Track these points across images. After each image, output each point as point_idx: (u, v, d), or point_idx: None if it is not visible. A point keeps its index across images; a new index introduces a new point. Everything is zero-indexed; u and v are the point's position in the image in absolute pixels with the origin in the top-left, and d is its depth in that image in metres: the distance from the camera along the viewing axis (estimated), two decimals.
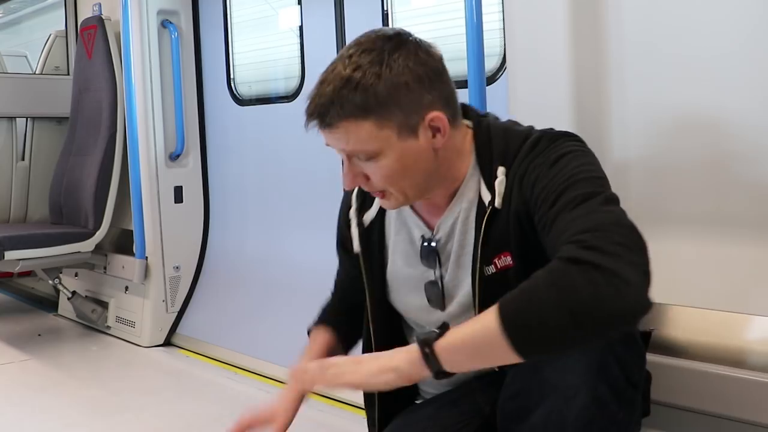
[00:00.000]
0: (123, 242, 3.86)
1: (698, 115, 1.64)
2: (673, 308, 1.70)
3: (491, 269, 1.36)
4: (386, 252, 1.54)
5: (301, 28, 3.25)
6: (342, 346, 1.66)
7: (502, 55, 2.49)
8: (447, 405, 1.53)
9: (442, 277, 1.46)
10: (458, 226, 1.42)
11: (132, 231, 3.62)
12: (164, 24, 3.61)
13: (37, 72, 4.50)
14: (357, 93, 1.27)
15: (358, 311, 1.62)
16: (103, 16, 3.81)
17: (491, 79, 2.46)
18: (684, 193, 1.68)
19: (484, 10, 2.02)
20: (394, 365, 1.20)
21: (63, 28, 4.41)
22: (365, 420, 1.66)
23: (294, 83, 3.30)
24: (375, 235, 1.54)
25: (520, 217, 1.33)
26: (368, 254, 1.55)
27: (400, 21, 2.84)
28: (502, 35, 2.33)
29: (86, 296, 3.91)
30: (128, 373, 3.24)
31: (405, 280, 1.52)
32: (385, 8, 2.85)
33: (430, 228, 1.47)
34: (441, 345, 1.16)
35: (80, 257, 3.68)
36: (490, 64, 2.46)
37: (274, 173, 3.45)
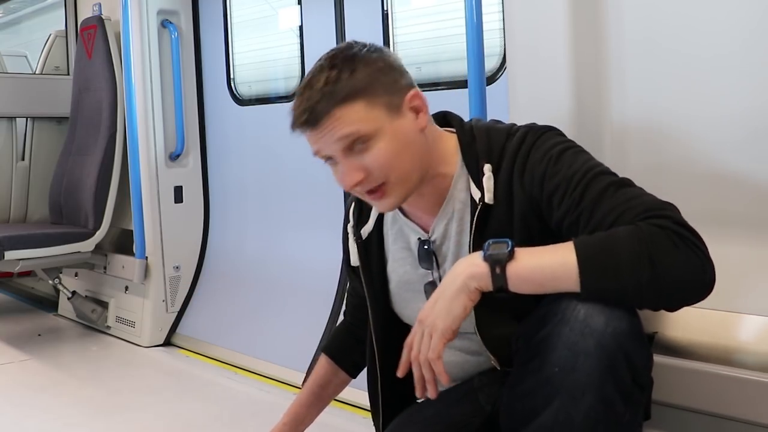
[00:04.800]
0: (123, 242, 3.86)
1: (698, 114, 1.64)
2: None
3: None
4: (386, 263, 1.58)
5: (301, 28, 3.25)
6: (349, 371, 1.76)
7: (502, 55, 2.49)
8: (449, 404, 1.53)
9: (440, 278, 1.47)
10: (453, 225, 1.46)
11: (132, 231, 3.62)
12: (164, 24, 3.61)
13: (37, 72, 4.50)
14: (340, 83, 1.34)
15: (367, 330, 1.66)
16: (103, 16, 3.81)
17: (491, 79, 2.46)
18: (684, 192, 1.68)
19: (484, 10, 2.02)
20: (461, 285, 1.25)
21: (63, 28, 4.41)
22: (366, 420, 1.66)
23: (294, 83, 3.30)
24: (374, 247, 1.58)
25: (525, 215, 1.37)
26: (368, 267, 1.58)
27: (400, 21, 2.84)
28: (502, 35, 2.33)
29: (86, 296, 3.91)
30: (128, 373, 3.24)
31: (407, 286, 1.55)
32: (385, 8, 2.85)
33: (426, 231, 1.50)
34: (513, 268, 1.22)
35: (80, 257, 3.68)
36: (490, 64, 2.47)
37: (274, 173, 3.45)
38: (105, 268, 3.88)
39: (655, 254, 1.16)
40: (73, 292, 3.81)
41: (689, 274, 1.18)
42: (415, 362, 1.31)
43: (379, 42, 2.83)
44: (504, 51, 2.45)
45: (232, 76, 3.62)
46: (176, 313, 3.65)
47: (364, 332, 1.67)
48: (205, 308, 3.62)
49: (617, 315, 1.19)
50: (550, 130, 1.42)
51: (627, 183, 1.30)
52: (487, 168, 1.40)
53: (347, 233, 1.63)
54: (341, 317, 1.85)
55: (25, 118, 4.27)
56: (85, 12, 4.10)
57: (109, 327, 3.79)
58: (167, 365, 3.36)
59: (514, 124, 1.46)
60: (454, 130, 1.48)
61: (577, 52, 1.81)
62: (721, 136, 1.62)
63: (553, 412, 1.20)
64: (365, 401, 1.70)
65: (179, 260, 3.67)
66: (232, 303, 3.52)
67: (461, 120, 1.51)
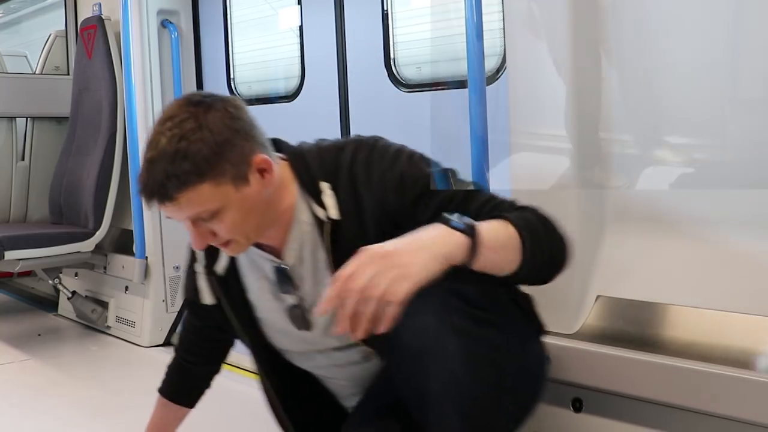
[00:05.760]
0: (123, 242, 3.86)
1: (697, 114, 1.64)
2: (674, 308, 1.70)
3: None
4: (246, 294, 1.62)
5: (301, 28, 3.25)
6: (189, 405, 1.87)
7: (502, 55, 2.49)
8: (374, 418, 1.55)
9: (301, 299, 1.54)
10: (306, 248, 1.50)
11: (132, 231, 3.62)
12: (164, 24, 3.60)
13: (37, 72, 4.49)
14: (188, 162, 1.33)
15: (207, 361, 1.81)
16: (103, 16, 3.81)
17: (491, 79, 2.46)
18: (684, 192, 1.68)
19: (484, 10, 2.02)
20: (444, 252, 1.22)
21: (63, 28, 4.41)
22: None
23: (294, 83, 3.30)
24: (232, 282, 1.61)
25: (380, 222, 1.42)
26: (230, 300, 1.63)
27: (400, 21, 2.84)
28: (502, 35, 2.33)
29: (86, 296, 3.91)
30: (128, 373, 3.24)
31: (273, 316, 1.60)
32: (385, 8, 2.85)
33: (279, 257, 1.54)
34: (481, 240, 1.24)
35: (80, 257, 3.67)
36: (490, 64, 2.46)
37: None
38: (105, 268, 3.88)
39: (555, 230, 1.36)
40: (73, 292, 3.81)
41: (568, 248, 1.38)
42: (356, 294, 1.18)
43: (379, 42, 2.83)
44: (504, 51, 2.45)
45: (232, 76, 3.62)
46: (176, 313, 3.65)
47: (200, 368, 1.80)
48: None
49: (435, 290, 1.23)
50: (380, 139, 1.49)
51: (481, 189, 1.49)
52: (325, 186, 1.46)
53: (194, 272, 1.66)
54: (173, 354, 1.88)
55: (25, 118, 4.26)
56: (85, 12, 4.10)
57: (109, 327, 3.79)
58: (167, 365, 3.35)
59: (340, 139, 1.54)
60: (284, 156, 1.52)
61: (577, 52, 1.81)
62: (722, 136, 1.62)
63: (436, 376, 1.25)
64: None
65: (179, 260, 3.66)
66: None
67: (290, 146, 1.55)
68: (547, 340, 1.81)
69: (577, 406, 1.82)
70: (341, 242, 1.44)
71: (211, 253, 1.60)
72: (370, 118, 2.93)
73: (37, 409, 2.76)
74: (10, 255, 3.42)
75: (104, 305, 3.83)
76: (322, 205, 1.45)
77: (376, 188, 1.42)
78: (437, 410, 1.26)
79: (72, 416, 2.68)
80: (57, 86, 4.26)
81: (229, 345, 1.84)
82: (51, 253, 3.55)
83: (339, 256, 1.37)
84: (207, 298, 1.64)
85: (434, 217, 1.29)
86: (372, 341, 1.44)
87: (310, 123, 3.16)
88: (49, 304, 4.40)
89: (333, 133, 3.03)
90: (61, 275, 3.87)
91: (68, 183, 3.89)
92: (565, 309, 1.86)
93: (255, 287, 1.60)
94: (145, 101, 3.55)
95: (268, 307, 1.59)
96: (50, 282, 3.87)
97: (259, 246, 1.53)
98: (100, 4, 3.94)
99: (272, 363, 1.67)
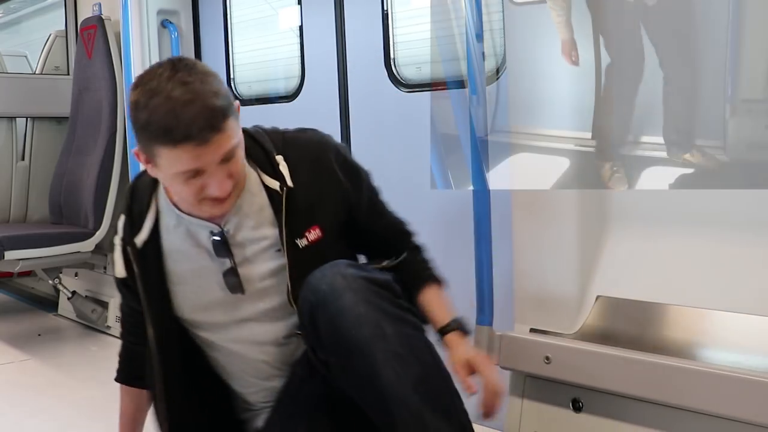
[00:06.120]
0: None
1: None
2: (674, 308, 1.70)
3: (303, 242, 1.59)
4: (166, 270, 1.65)
5: (301, 28, 3.25)
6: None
7: (503, 55, 2.48)
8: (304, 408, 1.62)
9: (237, 264, 1.61)
10: (250, 216, 1.60)
11: None
12: (164, 24, 3.60)
13: (37, 72, 4.49)
14: (220, 98, 1.43)
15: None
16: (103, 16, 3.81)
17: (491, 79, 2.45)
18: (685, 192, 1.68)
19: (484, 10, 2.02)
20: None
21: (63, 28, 4.41)
22: None
23: (294, 83, 3.30)
24: (150, 253, 1.65)
25: (335, 199, 1.62)
26: (144, 273, 1.65)
27: (400, 21, 2.84)
28: (503, 35, 2.32)
29: (86, 296, 3.91)
30: None
31: (203, 279, 1.64)
32: (385, 8, 2.84)
33: (218, 225, 1.60)
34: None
35: (80, 257, 3.67)
36: (490, 64, 2.46)
37: None
38: (105, 268, 3.87)
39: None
40: (73, 292, 3.81)
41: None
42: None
43: (378, 42, 2.83)
44: (504, 51, 2.44)
45: (232, 76, 3.62)
46: None
47: (144, 347, 1.72)
48: None
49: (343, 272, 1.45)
50: (328, 136, 1.73)
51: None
52: (280, 158, 1.61)
53: (113, 246, 1.70)
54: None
55: (25, 118, 4.26)
56: (85, 12, 4.10)
57: (109, 327, 3.78)
58: None
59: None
60: None
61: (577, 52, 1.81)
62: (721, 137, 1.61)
63: (384, 365, 1.38)
64: None
65: None
66: None
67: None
68: (547, 340, 1.81)
69: (577, 406, 1.82)
70: (293, 210, 1.58)
71: (133, 226, 1.65)
72: (370, 118, 2.93)
73: (37, 409, 2.76)
74: (10, 255, 3.42)
75: (104, 305, 3.82)
76: (277, 176, 1.59)
77: (342, 177, 1.63)
78: (394, 392, 1.38)
79: (72, 416, 2.68)
80: (57, 86, 4.26)
81: None
82: (51, 253, 3.55)
83: (291, 222, 1.57)
84: (119, 271, 1.68)
85: (370, 210, 1.69)
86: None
87: (310, 123, 3.15)
88: (49, 304, 4.40)
89: (333, 133, 3.03)
90: (61, 275, 3.87)
91: (68, 183, 3.89)
92: (565, 309, 1.86)
93: (191, 254, 1.64)
94: None
95: (198, 275, 1.64)
96: (50, 282, 3.87)
97: (195, 216, 1.61)
98: (100, 4, 3.94)
99: (170, 351, 1.68)
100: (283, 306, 1.61)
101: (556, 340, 1.82)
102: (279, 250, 1.59)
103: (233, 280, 1.61)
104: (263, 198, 1.60)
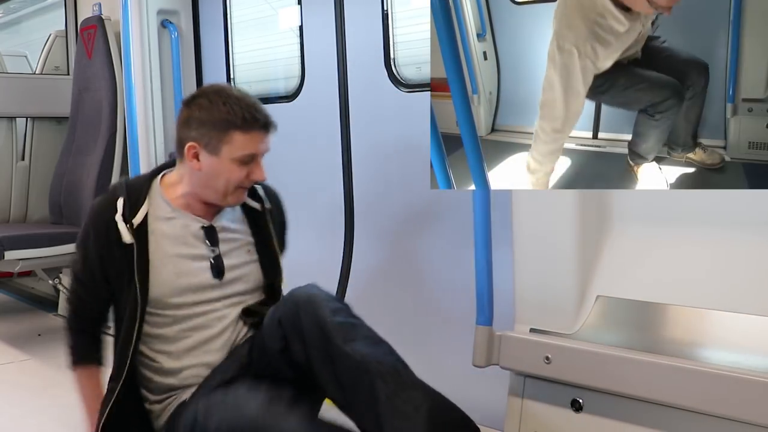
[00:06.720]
0: None
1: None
2: (673, 308, 1.70)
3: (268, 248, 2.09)
4: (150, 252, 1.95)
5: (301, 28, 3.25)
6: (102, 363, 2.13)
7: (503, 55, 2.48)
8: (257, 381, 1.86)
9: (221, 254, 2.01)
10: (235, 222, 2.08)
11: None
12: (164, 24, 3.60)
13: (37, 72, 4.50)
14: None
15: (99, 322, 2.14)
16: (103, 16, 3.81)
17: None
18: (685, 192, 1.68)
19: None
20: None
21: (63, 28, 4.41)
22: None
23: (294, 83, 3.30)
24: (140, 235, 1.95)
25: (280, 229, 2.18)
26: (141, 246, 1.93)
27: (400, 21, 2.84)
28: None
29: None
30: None
31: (191, 262, 1.98)
32: (385, 8, 2.84)
33: (208, 221, 2.03)
34: None
35: None
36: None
37: (273, 173, 3.43)
38: None
39: None
40: None
41: None
42: None
43: (378, 42, 2.83)
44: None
45: (232, 76, 3.62)
46: None
47: (97, 329, 2.12)
48: None
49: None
50: None
51: None
52: (258, 186, 2.12)
53: (114, 221, 1.95)
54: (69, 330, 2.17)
55: (25, 118, 4.27)
56: (85, 12, 4.10)
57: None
58: None
59: None
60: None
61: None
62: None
63: (361, 340, 1.75)
64: None
65: None
66: None
67: None
68: (547, 340, 1.81)
69: (577, 406, 1.82)
70: (266, 228, 2.11)
71: (132, 208, 1.96)
72: (370, 118, 2.93)
73: (37, 409, 2.76)
74: (10, 255, 3.43)
75: None
76: (257, 199, 2.11)
77: (280, 219, 2.19)
78: (370, 358, 1.71)
79: (71, 416, 2.67)
80: (57, 86, 4.26)
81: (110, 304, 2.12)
82: (51, 253, 3.55)
83: (266, 231, 2.12)
84: (127, 237, 1.94)
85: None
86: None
87: (310, 123, 3.16)
88: (49, 304, 4.40)
89: (333, 133, 3.03)
90: (61, 275, 3.87)
91: (68, 183, 3.89)
92: (565, 309, 1.86)
93: (187, 240, 1.99)
94: (145, 101, 3.54)
95: (193, 255, 1.98)
96: (50, 282, 3.87)
97: (189, 211, 2.01)
98: (100, 4, 3.94)
99: (138, 328, 1.97)
100: (247, 291, 2.03)
101: (556, 340, 1.82)
102: (250, 251, 2.06)
103: (218, 267, 1.99)
104: (241, 212, 2.11)
